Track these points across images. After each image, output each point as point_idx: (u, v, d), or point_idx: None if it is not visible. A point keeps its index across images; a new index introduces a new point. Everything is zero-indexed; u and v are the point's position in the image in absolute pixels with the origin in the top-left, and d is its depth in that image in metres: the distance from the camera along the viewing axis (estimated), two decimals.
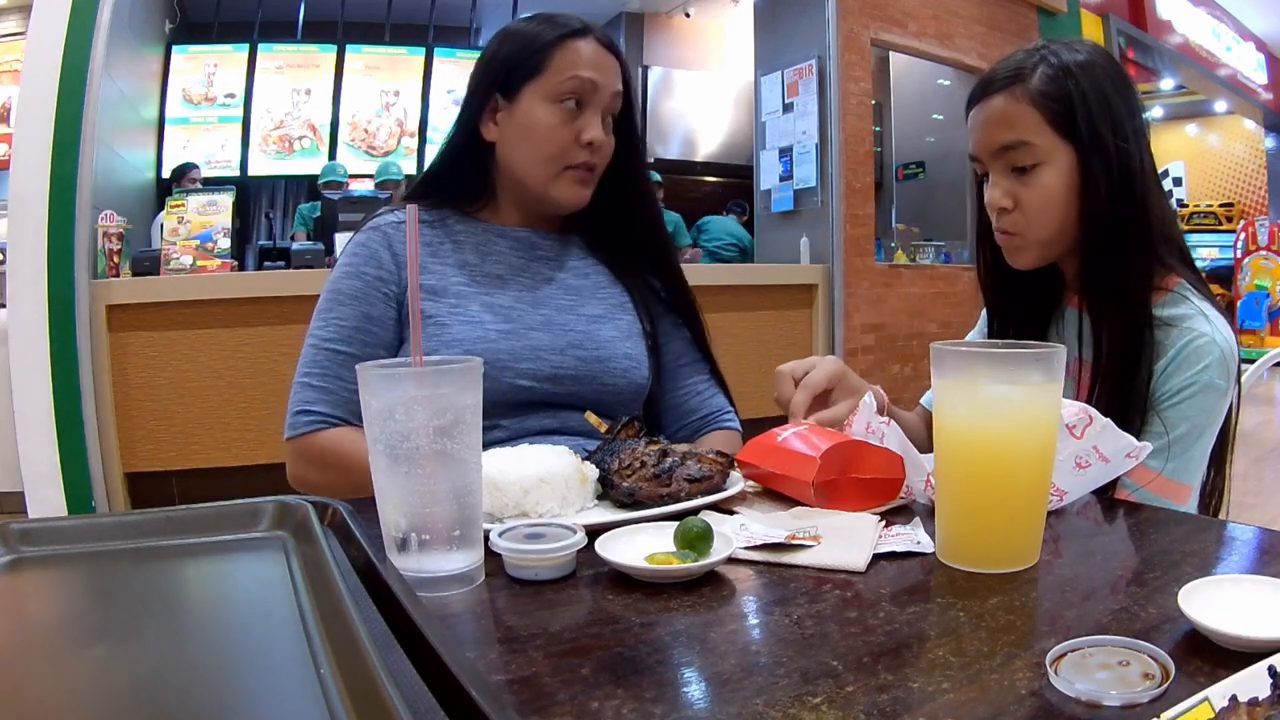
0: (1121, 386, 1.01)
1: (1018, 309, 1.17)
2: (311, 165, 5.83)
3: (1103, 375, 1.03)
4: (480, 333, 1.08)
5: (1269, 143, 10.27)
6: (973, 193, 1.15)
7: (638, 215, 1.24)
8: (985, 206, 1.09)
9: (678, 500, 0.77)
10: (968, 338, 1.28)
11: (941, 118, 6.55)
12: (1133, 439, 0.78)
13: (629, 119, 1.19)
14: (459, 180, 1.19)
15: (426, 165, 1.27)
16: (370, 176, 5.86)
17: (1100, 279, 1.04)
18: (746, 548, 0.67)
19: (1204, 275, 1.09)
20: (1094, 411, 0.77)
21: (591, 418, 0.96)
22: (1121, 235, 1.01)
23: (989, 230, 1.12)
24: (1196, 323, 0.99)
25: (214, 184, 4.34)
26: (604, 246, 1.25)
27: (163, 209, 3.44)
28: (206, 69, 5.74)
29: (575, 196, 1.15)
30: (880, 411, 0.93)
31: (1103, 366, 1.03)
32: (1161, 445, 0.97)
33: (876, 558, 0.66)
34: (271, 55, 5.95)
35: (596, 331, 1.16)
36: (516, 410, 1.09)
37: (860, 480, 0.80)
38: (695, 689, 0.47)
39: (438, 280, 1.12)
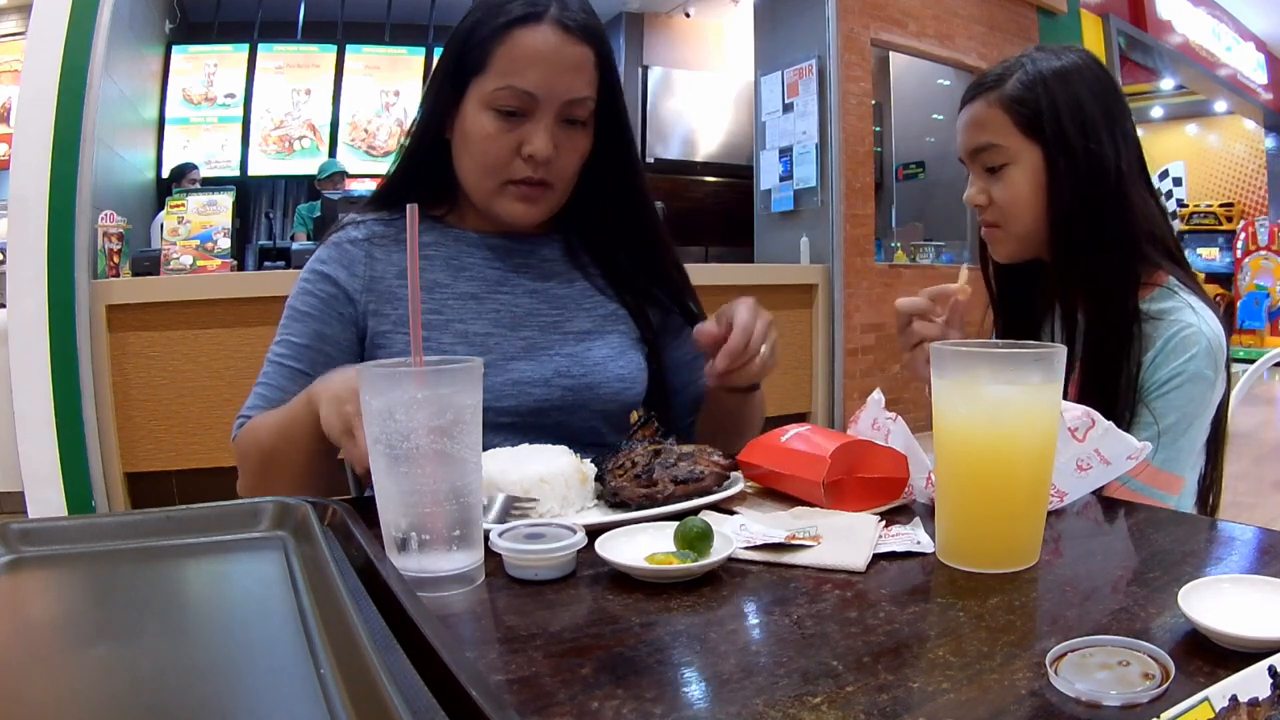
0: (1106, 380, 1.03)
1: (1016, 305, 1.21)
2: (312, 165, 5.83)
3: (1085, 369, 1.06)
4: None
5: (1269, 143, 10.26)
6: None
7: (627, 219, 1.12)
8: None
9: (656, 502, 0.76)
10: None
11: (941, 118, 6.55)
12: (1134, 441, 0.79)
13: (612, 111, 1.04)
14: (423, 181, 1.08)
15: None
16: (371, 176, 5.86)
17: (1071, 275, 1.07)
18: (746, 548, 0.67)
19: (1203, 275, 1.12)
20: (1096, 414, 0.78)
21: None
22: (1095, 234, 1.05)
23: None
24: (1183, 314, 1.03)
25: (214, 184, 4.34)
26: (589, 250, 1.14)
27: (163, 209, 3.45)
28: (206, 69, 5.74)
29: (521, 214, 1.03)
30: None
31: (1083, 360, 1.06)
32: (1151, 435, 0.99)
33: (876, 558, 0.66)
34: (271, 55, 5.95)
35: (585, 353, 1.06)
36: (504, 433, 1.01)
37: (865, 480, 0.80)
38: (695, 689, 0.47)
39: (407, 310, 1.05)
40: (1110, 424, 0.78)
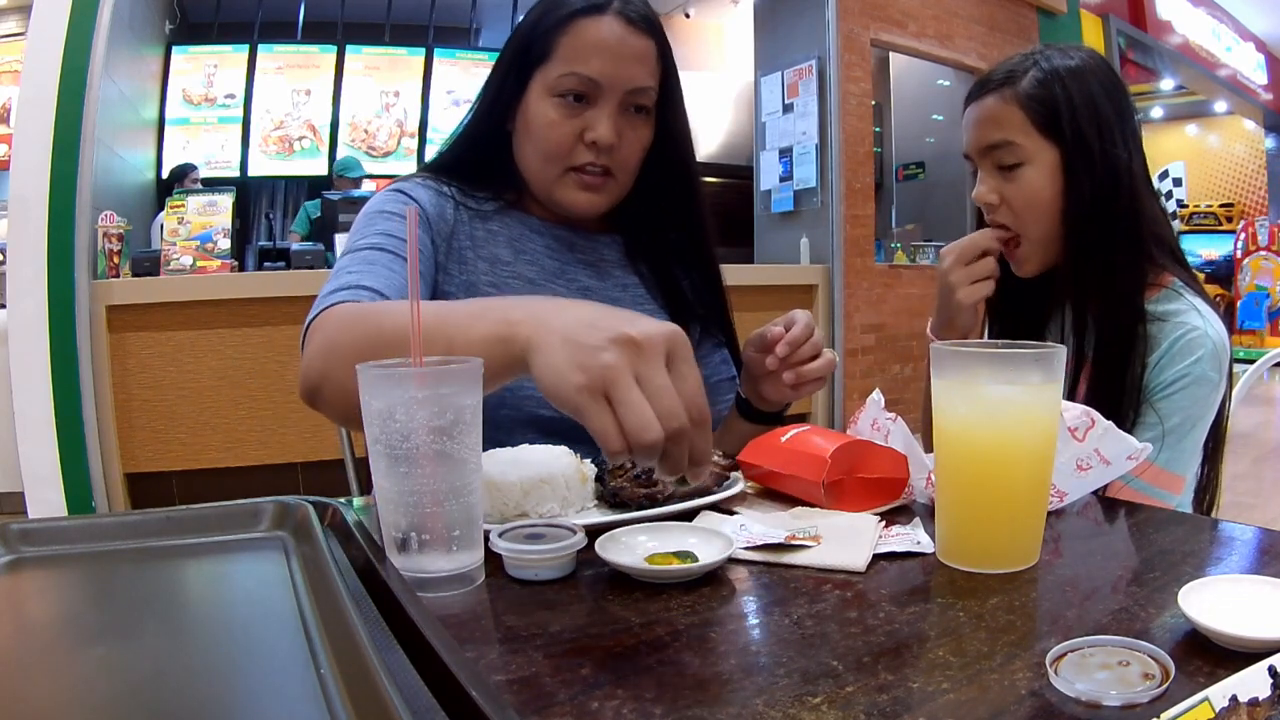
0: (1113, 381, 1.04)
1: (1014, 311, 1.20)
2: (311, 166, 5.83)
3: (1093, 369, 1.06)
4: None
5: (1269, 143, 10.27)
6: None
7: (682, 219, 1.13)
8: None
9: (656, 502, 0.76)
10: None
11: (941, 118, 6.56)
12: (1134, 441, 0.79)
13: (671, 107, 1.06)
14: (485, 169, 1.08)
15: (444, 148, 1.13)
16: (371, 177, 5.86)
17: (1087, 276, 1.07)
18: (746, 548, 0.67)
19: (1203, 275, 1.12)
20: (1095, 414, 0.78)
21: None
22: (1109, 235, 1.05)
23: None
24: (1189, 317, 1.03)
25: (214, 184, 4.34)
26: (645, 253, 1.15)
27: (163, 209, 3.44)
28: (206, 69, 5.74)
29: (584, 203, 1.04)
30: None
31: (1092, 361, 1.06)
32: (1155, 436, 1.00)
33: (876, 558, 0.66)
34: (271, 56, 5.95)
35: None
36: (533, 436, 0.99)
37: (865, 480, 0.80)
38: (695, 689, 0.47)
39: (471, 275, 1.03)
40: (1110, 424, 0.78)
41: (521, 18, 1.06)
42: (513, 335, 0.64)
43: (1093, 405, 0.79)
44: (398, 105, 6.23)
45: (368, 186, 5.73)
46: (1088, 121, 1.03)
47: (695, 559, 0.63)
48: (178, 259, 3.22)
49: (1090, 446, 0.78)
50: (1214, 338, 1.02)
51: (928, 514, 0.76)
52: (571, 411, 0.59)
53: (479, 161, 1.09)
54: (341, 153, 6.04)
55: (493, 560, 0.64)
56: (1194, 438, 1.03)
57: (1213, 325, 1.03)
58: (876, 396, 0.91)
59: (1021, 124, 1.05)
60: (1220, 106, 10.04)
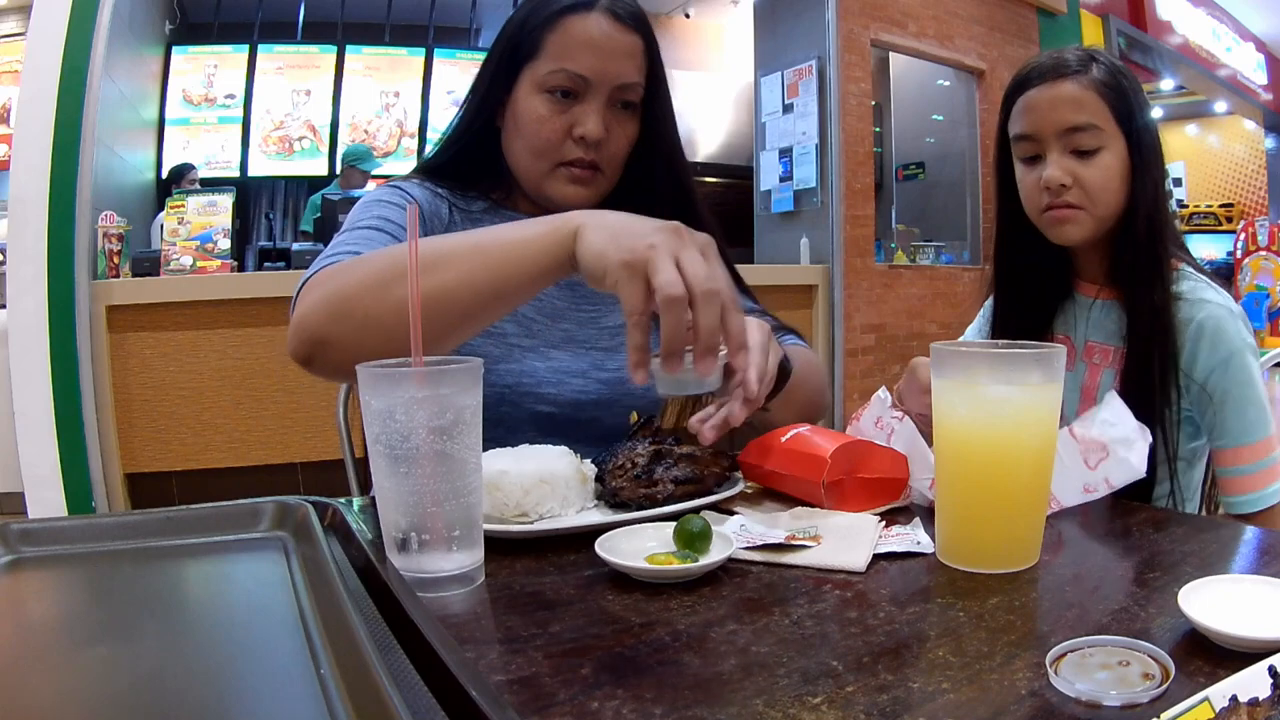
0: (1146, 367, 1.07)
1: (1026, 297, 1.22)
2: (311, 166, 5.83)
3: (1129, 358, 1.09)
4: (503, 349, 1.01)
5: (1269, 143, 10.26)
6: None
7: (666, 213, 1.14)
8: (1036, 185, 1.12)
9: (657, 502, 0.76)
10: (965, 335, 1.32)
11: (941, 118, 6.54)
12: (1141, 470, 0.80)
13: (659, 103, 1.07)
14: (475, 168, 1.09)
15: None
16: (374, 177, 5.86)
17: (1138, 263, 1.10)
18: (746, 548, 0.67)
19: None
20: (1111, 447, 0.79)
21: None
22: (1154, 223, 1.10)
23: (1013, 216, 1.18)
24: (1204, 292, 1.08)
25: (214, 185, 4.33)
26: None
27: (163, 210, 3.44)
28: (206, 70, 5.73)
29: (572, 196, 1.04)
30: None
31: (1126, 350, 1.10)
32: (1210, 421, 1.06)
33: (876, 558, 0.66)
34: (271, 56, 5.94)
35: (621, 349, 1.06)
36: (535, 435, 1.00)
37: (865, 480, 0.80)
38: (695, 689, 0.47)
39: None
40: (1123, 456, 0.79)
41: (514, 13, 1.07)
42: (565, 223, 0.73)
43: (1125, 394, 0.81)
44: (398, 105, 6.22)
45: (369, 186, 5.73)
46: (1147, 115, 1.10)
47: (695, 559, 0.63)
48: (178, 259, 3.22)
49: (1100, 475, 0.79)
50: (1233, 309, 1.07)
51: (928, 514, 0.76)
52: (610, 287, 0.66)
53: (469, 160, 1.10)
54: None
55: (492, 560, 0.64)
56: (1264, 398, 1.06)
57: (1229, 298, 1.08)
58: (882, 394, 0.91)
59: (1102, 111, 1.08)
60: (1220, 106, 10.03)
